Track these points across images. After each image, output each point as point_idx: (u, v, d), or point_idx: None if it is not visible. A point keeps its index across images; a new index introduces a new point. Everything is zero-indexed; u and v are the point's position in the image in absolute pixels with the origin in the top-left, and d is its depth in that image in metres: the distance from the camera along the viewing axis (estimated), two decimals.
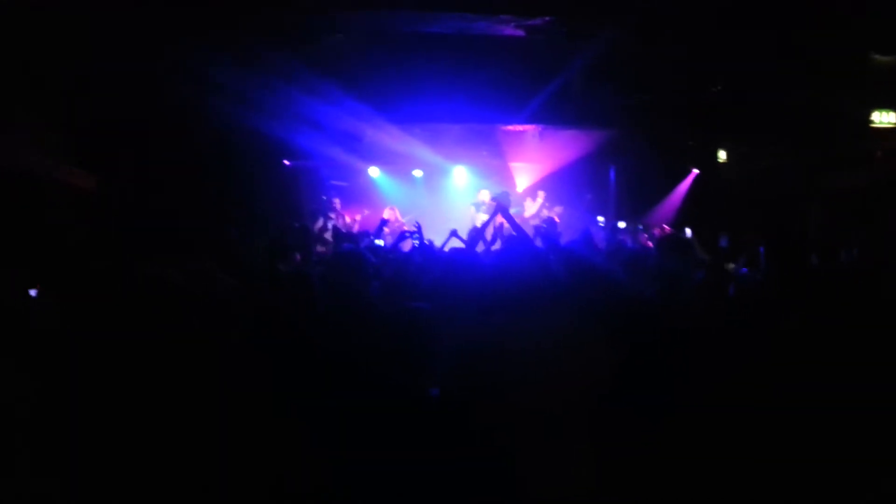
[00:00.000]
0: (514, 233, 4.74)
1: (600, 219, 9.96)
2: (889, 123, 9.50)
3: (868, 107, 9.46)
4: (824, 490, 2.38)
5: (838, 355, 2.65)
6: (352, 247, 4.59)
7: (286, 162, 9.91)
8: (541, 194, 10.92)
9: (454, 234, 6.04)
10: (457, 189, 12.48)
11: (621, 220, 10.14)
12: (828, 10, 7.42)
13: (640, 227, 8.90)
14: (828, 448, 2.41)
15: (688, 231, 8.33)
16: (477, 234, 4.51)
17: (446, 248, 5.71)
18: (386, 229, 8.57)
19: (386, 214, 10.93)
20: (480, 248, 5.81)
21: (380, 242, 5.68)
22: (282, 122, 8.22)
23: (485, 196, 11.26)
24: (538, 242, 4.90)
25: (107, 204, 6.98)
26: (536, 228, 7.28)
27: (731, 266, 4.66)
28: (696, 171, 11.63)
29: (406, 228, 5.96)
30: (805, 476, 2.39)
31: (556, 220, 8.87)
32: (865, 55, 8.89)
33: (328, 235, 9.69)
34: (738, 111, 9.53)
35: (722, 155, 11.46)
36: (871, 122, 9.50)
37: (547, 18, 7.52)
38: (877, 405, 2.49)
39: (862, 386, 2.55)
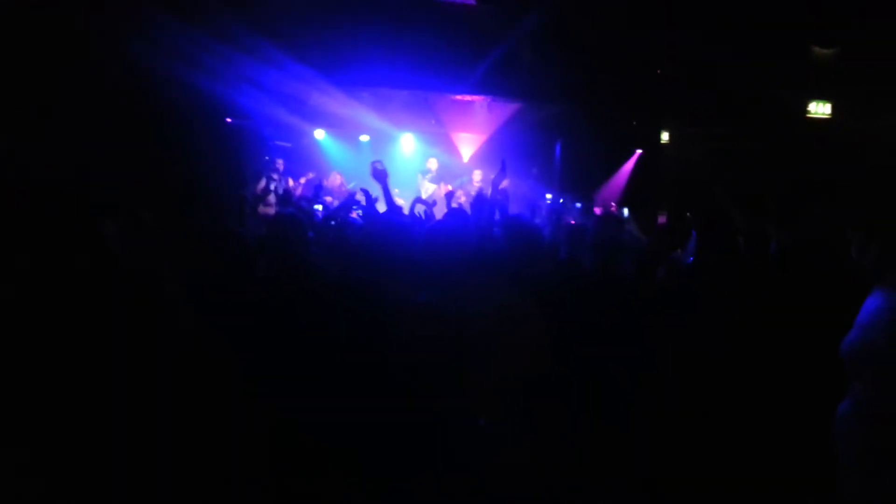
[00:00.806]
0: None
1: (548, 196, 10.04)
2: (824, 114, 9.85)
3: (806, 97, 9.78)
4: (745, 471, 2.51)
5: (765, 344, 2.77)
6: (292, 210, 4.52)
7: (228, 120, 9.62)
8: (477, 173, 10.92)
9: (419, 200, 5.99)
10: (403, 156, 12.40)
11: (564, 194, 10.25)
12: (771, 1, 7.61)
13: (579, 204, 8.99)
14: (751, 437, 2.53)
15: (625, 210, 8.50)
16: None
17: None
18: (328, 198, 8.41)
19: (330, 180, 10.78)
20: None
21: (318, 207, 5.58)
22: (222, 81, 7.97)
23: (433, 164, 11.23)
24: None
25: (30, 162, 6.66)
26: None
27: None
28: (639, 151, 11.84)
29: (356, 196, 5.86)
30: (726, 455, 2.51)
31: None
32: (806, 47, 9.16)
33: (271, 197, 9.51)
34: (681, 94, 9.73)
35: (665, 136, 11.70)
36: (808, 112, 9.83)
37: None
38: (800, 397, 2.62)
39: (786, 375, 2.68)
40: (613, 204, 9.44)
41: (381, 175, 4.37)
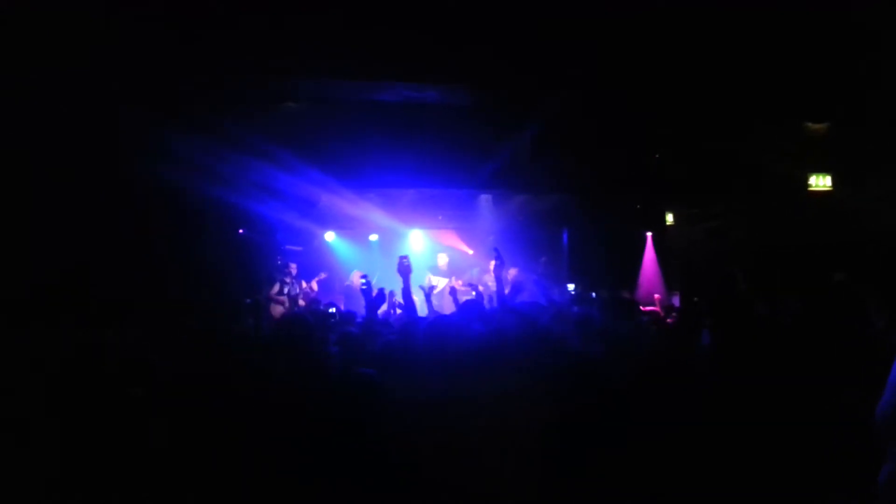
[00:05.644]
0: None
1: (570, 286, 10.04)
2: (825, 187, 9.96)
3: (806, 171, 9.92)
4: None
5: (780, 416, 2.72)
6: (301, 311, 4.60)
7: (241, 231, 9.83)
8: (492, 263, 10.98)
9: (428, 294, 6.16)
10: (413, 252, 12.55)
11: (572, 282, 10.26)
12: (763, 79, 7.85)
13: (593, 294, 8.98)
14: None
15: (656, 296, 8.50)
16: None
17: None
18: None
19: (352, 279, 10.89)
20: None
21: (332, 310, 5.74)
22: (234, 189, 8.20)
23: (443, 260, 11.37)
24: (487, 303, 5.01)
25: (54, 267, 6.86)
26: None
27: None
28: (649, 234, 11.88)
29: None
30: None
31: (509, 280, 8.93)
32: (799, 123, 9.38)
33: (284, 299, 9.62)
34: (681, 176, 9.90)
35: (669, 218, 11.82)
36: (809, 185, 9.95)
37: (495, 88, 7.76)
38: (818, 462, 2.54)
39: (803, 442, 2.61)
40: (657, 296, 9.34)
41: (405, 270, 4.70)
